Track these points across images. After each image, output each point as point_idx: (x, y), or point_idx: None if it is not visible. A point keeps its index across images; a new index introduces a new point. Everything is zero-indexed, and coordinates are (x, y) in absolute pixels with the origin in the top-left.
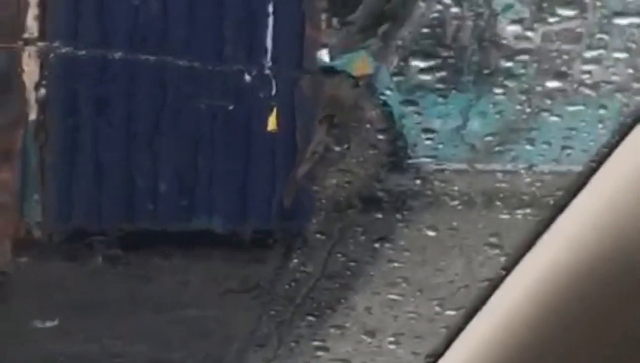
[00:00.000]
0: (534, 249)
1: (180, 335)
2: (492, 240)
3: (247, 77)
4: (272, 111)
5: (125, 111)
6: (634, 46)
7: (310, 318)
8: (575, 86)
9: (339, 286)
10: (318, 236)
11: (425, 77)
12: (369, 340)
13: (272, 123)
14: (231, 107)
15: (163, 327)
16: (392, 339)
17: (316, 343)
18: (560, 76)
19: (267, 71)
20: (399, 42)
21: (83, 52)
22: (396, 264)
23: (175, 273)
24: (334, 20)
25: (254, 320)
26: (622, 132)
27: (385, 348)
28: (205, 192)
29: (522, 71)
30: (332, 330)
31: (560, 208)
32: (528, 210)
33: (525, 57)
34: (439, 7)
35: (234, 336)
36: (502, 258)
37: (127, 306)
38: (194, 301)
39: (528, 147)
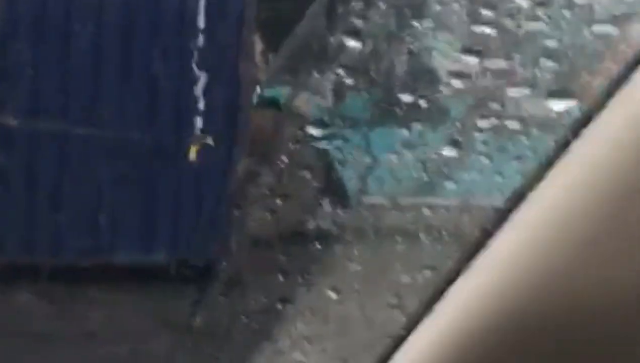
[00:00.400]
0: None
1: None
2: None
3: (178, 111)
4: (199, 142)
5: (34, 143)
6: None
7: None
8: (504, 122)
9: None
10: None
11: (357, 111)
12: None
13: (193, 153)
14: (166, 138)
15: (88, 359)
16: None
17: None
18: (490, 112)
19: (196, 106)
20: (331, 76)
21: None
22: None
23: (101, 307)
24: (270, 56)
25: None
26: (547, 165)
27: None
28: (135, 225)
29: (455, 106)
30: None
31: (484, 240)
32: (452, 245)
33: (458, 93)
34: (371, 41)
35: None
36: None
37: (51, 339)
38: (120, 335)
39: (456, 182)
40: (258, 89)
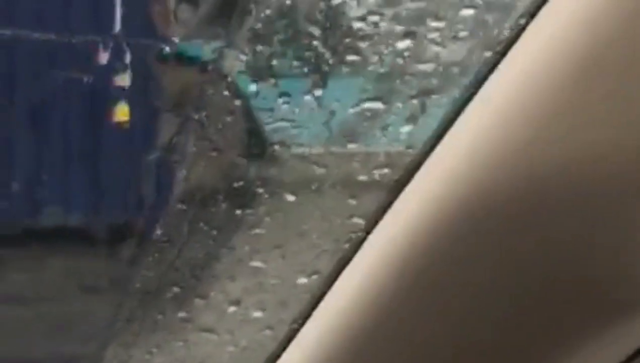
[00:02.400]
0: (390, 212)
1: (40, 330)
2: (352, 201)
3: (99, 66)
4: (120, 101)
5: None
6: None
7: (175, 289)
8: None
9: (203, 256)
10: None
11: (277, 62)
12: (234, 308)
13: (122, 113)
14: (84, 97)
15: (23, 321)
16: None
17: (181, 314)
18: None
19: (121, 62)
20: (251, 28)
21: None
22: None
23: (32, 269)
24: (184, 8)
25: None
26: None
27: (250, 315)
28: (59, 185)
29: (372, 53)
30: (197, 300)
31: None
32: (380, 186)
33: (373, 38)
34: None
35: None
36: (361, 222)
37: None
38: (53, 296)
39: (383, 140)
40: (176, 44)
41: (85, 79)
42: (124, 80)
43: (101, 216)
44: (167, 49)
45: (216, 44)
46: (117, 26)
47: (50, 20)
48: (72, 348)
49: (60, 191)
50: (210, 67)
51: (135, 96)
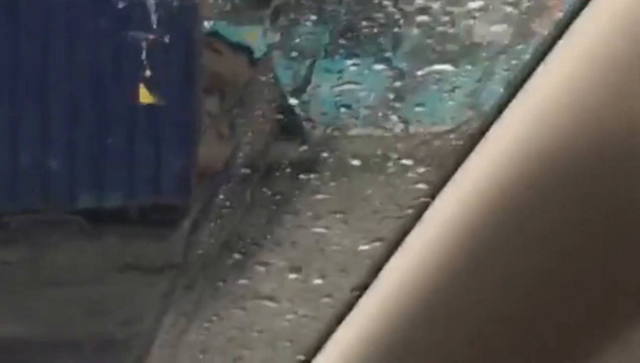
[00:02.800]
0: (453, 180)
1: (79, 313)
2: (416, 167)
3: (134, 50)
4: (149, 83)
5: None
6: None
7: (236, 256)
8: (461, 45)
9: (265, 221)
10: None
11: (312, 44)
12: (295, 275)
13: (147, 96)
14: (115, 80)
15: (62, 304)
16: (317, 274)
17: (242, 281)
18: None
19: (155, 43)
20: (287, 12)
21: None
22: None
23: (64, 252)
24: None
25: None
26: (510, 92)
27: (311, 283)
28: (93, 168)
29: (441, 28)
30: (257, 267)
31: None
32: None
33: (426, 15)
34: None
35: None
36: (425, 188)
37: (24, 285)
38: (86, 279)
39: (418, 109)
40: (207, 26)
41: (124, 57)
42: (161, 58)
43: (142, 195)
44: (211, 30)
45: (245, 25)
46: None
47: None
48: (121, 330)
49: (96, 174)
50: (239, 49)
51: (169, 77)
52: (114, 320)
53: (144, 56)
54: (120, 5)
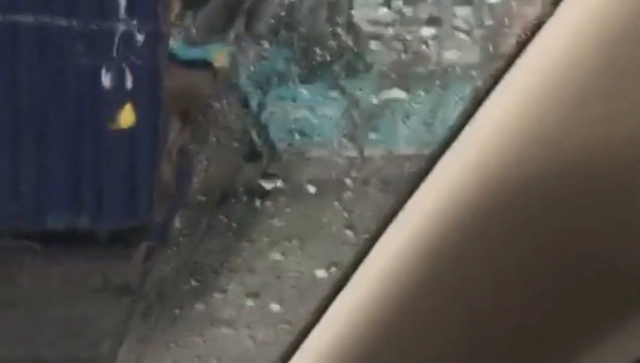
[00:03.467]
0: (410, 204)
1: (46, 335)
2: (371, 193)
3: (101, 74)
4: (125, 105)
5: None
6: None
7: (193, 282)
8: (429, 67)
9: (221, 248)
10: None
11: (282, 67)
12: (252, 302)
13: (127, 119)
14: (85, 104)
15: (29, 327)
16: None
17: (199, 307)
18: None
19: (122, 66)
20: (256, 33)
21: None
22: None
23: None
24: (188, 14)
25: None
26: (467, 115)
27: (269, 309)
28: (63, 189)
29: (376, 56)
30: (215, 294)
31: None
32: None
33: (379, 42)
34: None
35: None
36: (381, 213)
37: None
38: (52, 300)
39: (373, 135)
40: (177, 48)
41: (90, 81)
42: (128, 81)
43: (110, 218)
44: (174, 51)
45: (216, 47)
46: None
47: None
48: (87, 351)
49: (66, 194)
50: (210, 71)
51: (141, 97)
52: (81, 341)
53: (110, 78)
54: (87, 29)
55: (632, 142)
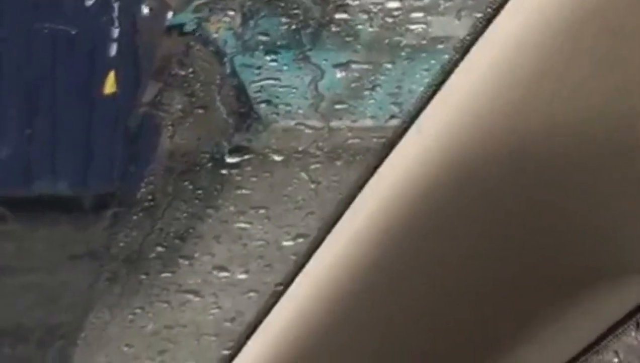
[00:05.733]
0: (377, 175)
1: (27, 300)
2: (339, 163)
3: (86, 38)
4: (109, 72)
5: None
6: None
7: (159, 249)
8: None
9: (187, 216)
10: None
11: (248, 35)
12: (219, 270)
13: (110, 86)
14: (70, 70)
15: (10, 292)
16: (241, 269)
17: (166, 275)
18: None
19: (109, 32)
20: (223, 1)
21: None
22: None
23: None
24: None
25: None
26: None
27: (235, 278)
28: (46, 155)
29: (342, 27)
30: (181, 261)
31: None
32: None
33: (345, 13)
34: None
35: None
36: (347, 183)
37: None
38: (33, 267)
39: (339, 106)
40: (169, 15)
41: (71, 45)
42: (110, 47)
43: (88, 184)
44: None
45: (205, 14)
46: None
47: None
48: (58, 317)
49: (44, 161)
50: (195, 32)
51: (122, 63)
52: (62, 307)
53: (94, 46)
54: None
55: (590, 118)
